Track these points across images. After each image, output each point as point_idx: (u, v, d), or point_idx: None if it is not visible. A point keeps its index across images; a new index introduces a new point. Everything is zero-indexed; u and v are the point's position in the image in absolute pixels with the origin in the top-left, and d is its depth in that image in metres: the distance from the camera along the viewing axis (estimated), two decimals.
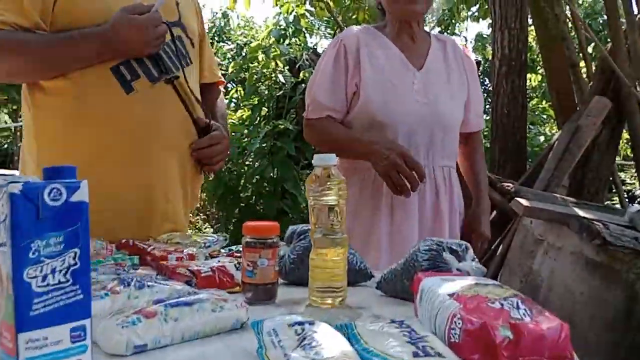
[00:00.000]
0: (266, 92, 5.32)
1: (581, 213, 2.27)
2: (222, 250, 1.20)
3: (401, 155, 1.38)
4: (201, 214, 6.46)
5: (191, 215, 6.88)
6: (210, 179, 4.79)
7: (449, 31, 7.37)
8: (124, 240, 1.11)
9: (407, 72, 1.55)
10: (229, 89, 5.88)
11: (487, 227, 1.63)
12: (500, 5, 3.18)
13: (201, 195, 6.24)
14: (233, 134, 5.29)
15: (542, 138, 4.09)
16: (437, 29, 7.41)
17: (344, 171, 1.59)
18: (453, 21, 7.06)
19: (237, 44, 11.47)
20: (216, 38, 12.04)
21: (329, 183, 0.90)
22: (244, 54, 6.38)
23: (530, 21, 3.41)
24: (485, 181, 1.70)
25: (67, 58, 1.20)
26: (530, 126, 4.48)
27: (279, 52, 5.53)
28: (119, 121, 1.24)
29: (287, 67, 5.87)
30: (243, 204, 5.16)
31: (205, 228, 6.35)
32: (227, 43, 12.40)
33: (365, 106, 1.52)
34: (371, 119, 1.50)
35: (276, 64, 5.34)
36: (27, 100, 1.27)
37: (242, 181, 5.11)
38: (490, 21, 3.48)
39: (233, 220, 5.21)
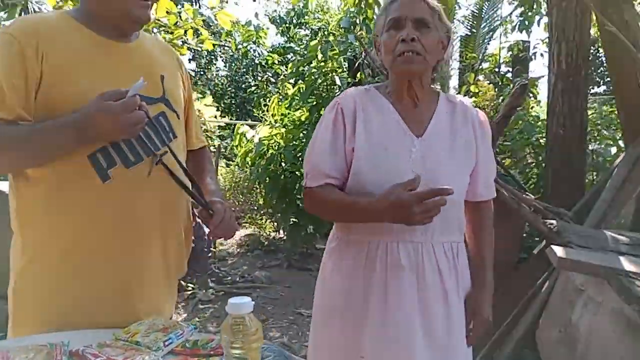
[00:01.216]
0: (324, 93, 5.27)
1: (627, 265, 2.05)
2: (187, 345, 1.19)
3: (400, 200, 1.28)
4: (262, 214, 6.58)
5: (255, 214, 7.06)
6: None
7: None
8: (74, 349, 1.14)
9: (404, 139, 1.44)
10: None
11: (489, 312, 1.50)
12: (557, 14, 2.87)
13: (259, 196, 6.41)
14: (290, 135, 5.32)
15: (614, 149, 3.71)
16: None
17: (337, 241, 1.54)
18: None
19: (312, 29, 11.51)
20: (294, 22, 12.22)
21: (240, 335, 0.87)
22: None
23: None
24: (490, 258, 1.55)
25: (44, 149, 1.20)
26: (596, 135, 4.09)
27: (338, 52, 5.42)
28: (96, 210, 1.25)
29: (346, 66, 5.78)
30: (299, 205, 5.20)
31: (265, 223, 6.48)
32: (303, 28, 12.51)
33: (357, 175, 1.43)
34: (362, 189, 1.42)
35: (334, 64, 5.26)
36: (12, 187, 1.32)
37: (298, 185, 5.13)
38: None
39: (290, 223, 5.28)
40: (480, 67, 9.72)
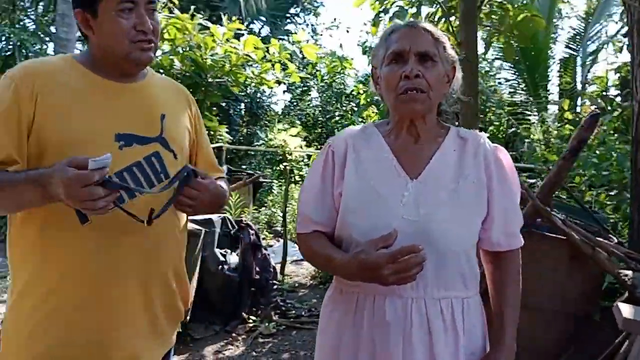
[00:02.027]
0: None
1: None
2: None
3: (368, 260, 1.16)
4: None
5: None
6: None
7: None
8: None
9: (397, 182, 1.29)
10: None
11: None
12: (638, 35, 2.53)
13: None
14: None
15: None
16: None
17: (333, 290, 1.41)
18: None
19: None
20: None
21: None
22: None
23: None
24: (511, 317, 1.32)
25: (13, 200, 1.20)
26: None
27: None
28: (76, 253, 1.25)
29: None
30: None
31: None
32: None
33: (343, 222, 1.31)
34: (351, 237, 1.29)
35: None
36: (8, 225, 1.34)
37: None
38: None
39: None
40: (583, 91, 9.01)
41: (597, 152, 4.04)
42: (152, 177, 1.32)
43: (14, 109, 1.21)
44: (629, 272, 2.13)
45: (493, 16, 4.09)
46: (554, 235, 2.47)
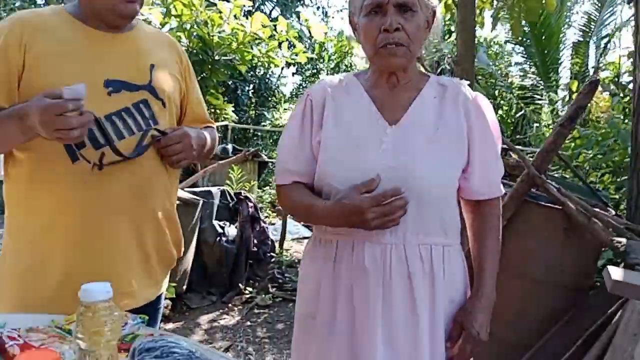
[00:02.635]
0: None
1: None
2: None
3: (352, 204, 1.16)
4: None
5: None
6: None
7: None
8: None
9: (375, 128, 1.26)
10: None
11: (483, 327, 1.26)
12: None
13: None
14: None
15: None
16: None
17: (312, 241, 1.38)
18: None
19: None
20: None
21: (86, 325, 0.77)
22: None
23: None
24: (491, 267, 1.31)
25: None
26: None
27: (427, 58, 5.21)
28: (67, 192, 1.28)
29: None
30: None
31: None
32: None
33: (322, 170, 1.28)
34: (330, 185, 1.26)
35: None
36: (3, 167, 1.37)
37: None
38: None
39: None
40: (595, 75, 8.85)
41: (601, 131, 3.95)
42: (141, 123, 1.35)
43: (3, 58, 1.24)
44: (623, 240, 2.08)
45: None
46: (550, 205, 2.42)
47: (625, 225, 2.36)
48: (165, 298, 3.29)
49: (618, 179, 3.87)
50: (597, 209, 2.42)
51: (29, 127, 1.16)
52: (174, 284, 3.37)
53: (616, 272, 1.70)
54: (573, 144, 4.07)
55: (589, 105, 7.87)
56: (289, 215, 5.58)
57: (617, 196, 3.83)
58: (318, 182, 1.30)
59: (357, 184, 1.18)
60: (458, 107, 1.28)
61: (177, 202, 3.93)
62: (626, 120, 4.85)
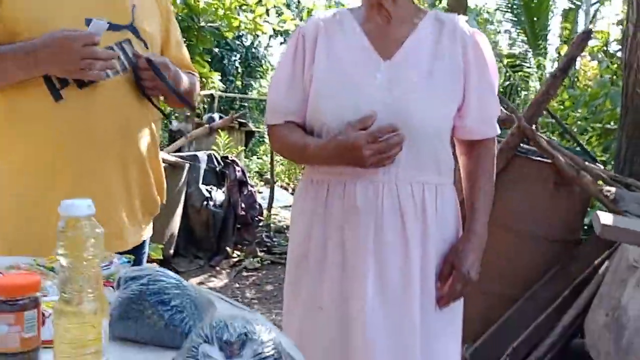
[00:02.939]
0: None
1: None
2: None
3: (347, 141, 1.13)
4: None
5: None
6: None
7: None
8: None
9: (369, 63, 1.22)
10: None
11: (474, 267, 1.23)
12: None
13: None
14: None
15: None
16: None
17: (303, 182, 1.35)
18: None
19: None
20: None
21: (68, 240, 0.73)
22: None
23: None
24: (483, 207, 1.28)
25: None
26: None
27: None
28: (48, 129, 1.24)
29: None
30: None
31: None
32: None
33: (314, 107, 1.24)
34: (322, 122, 1.23)
35: None
36: None
37: None
38: None
39: None
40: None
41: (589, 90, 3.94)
42: (125, 62, 1.31)
43: None
44: (612, 189, 2.08)
45: None
46: (539, 158, 2.41)
47: (613, 177, 2.36)
48: (153, 260, 3.28)
49: (605, 141, 3.88)
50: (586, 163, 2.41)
51: (35, 62, 1.17)
52: (161, 246, 3.34)
53: (605, 217, 1.70)
54: (562, 106, 4.05)
55: (577, 71, 7.87)
56: (276, 183, 5.56)
57: (604, 158, 3.84)
58: (310, 119, 1.26)
59: (351, 120, 1.15)
60: (455, 42, 1.24)
61: (163, 164, 3.86)
62: (614, 86, 4.85)
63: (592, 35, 2.36)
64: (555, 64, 8.10)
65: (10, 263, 1.11)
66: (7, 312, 0.72)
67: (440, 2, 7.23)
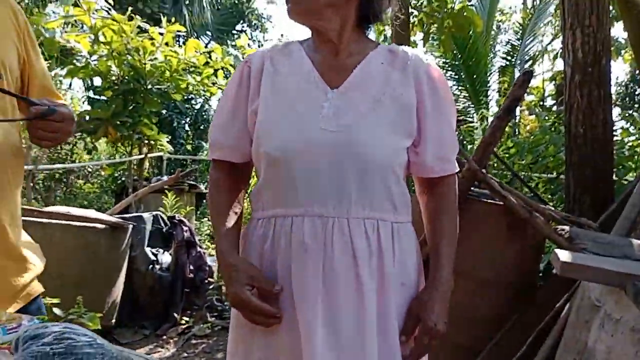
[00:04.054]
0: None
1: None
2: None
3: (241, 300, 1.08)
4: None
5: None
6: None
7: None
8: None
9: (315, 92, 1.15)
10: None
11: (441, 318, 1.12)
12: None
13: None
14: None
15: None
16: None
17: (249, 222, 1.23)
18: None
19: None
20: None
21: None
22: None
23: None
24: (447, 251, 1.18)
25: None
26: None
27: None
28: None
29: None
30: None
31: None
32: None
33: (258, 137, 1.15)
34: (266, 154, 1.13)
35: None
36: None
37: None
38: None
39: None
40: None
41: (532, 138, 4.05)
42: None
43: None
44: (566, 227, 2.05)
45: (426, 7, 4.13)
46: (491, 201, 2.39)
47: (565, 217, 2.35)
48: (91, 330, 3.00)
49: (552, 186, 3.95)
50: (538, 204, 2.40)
51: None
52: (100, 315, 3.06)
53: (564, 255, 1.64)
54: (507, 154, 4.13)
55: (516, 123, 8.18)
56: None
57: (552, 203, 3.90)
58: (254, 151, 1.17)
59: (254, 271, 1.10)
60: (407, 74, 1.18)
61: (104, 226, 3.64)
62: (554, 132, 5.04)
63: (532, 76, 2.39)
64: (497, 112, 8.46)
65: None
66: None
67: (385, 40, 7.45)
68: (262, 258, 1.14)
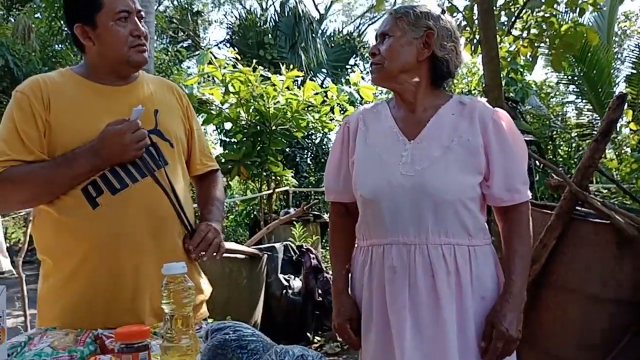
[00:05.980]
0: None
1: None
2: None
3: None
4: None
5: None
6: None
7: None
8: (98, 333, 1.27)
9: (397, 144, 1.47)
10: None
11: (512, 325, 1.36)
12: None
13: None
14: None
15: None
16: None
17: (355, 250, 1.57)
18: None
19: (461, 90, 11.58)
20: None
21: (170, 292, 1.00)
22: None
23: None
24: (519, 269, 1.41)
25: (65, 178, 1.38)
26: None
27: None
28: (90, 234, 1.40)
29: None
30: None
31: None
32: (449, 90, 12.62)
33: (355, 183, 1.51)
34: (361, 196, 1.48)
35: None
36: (32, 224, 1.54)
37: None
38: None
39: None
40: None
41: None
42: (151, 164, 1.47)
43: (32, 119, 1.40)
44: None
45: (533, 30, 4.20)
46: (597, 220, 2.45)
47: None
48: None
49: None
50: None
51: (104, 158, 1.37)
52: None
53: None
54: (629, 169, 4.03)
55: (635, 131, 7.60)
56: None
57: None
58: (355, 194, 1.51)
59: (354, 314, 1.52)
60: (474, 121, 1.44)
61: (244, 256, 4.21)
62: None
63: (626, 99, 2.46)
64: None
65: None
66: (127, 353, 0.97)
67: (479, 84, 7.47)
68: (363, 278, 1.48)
